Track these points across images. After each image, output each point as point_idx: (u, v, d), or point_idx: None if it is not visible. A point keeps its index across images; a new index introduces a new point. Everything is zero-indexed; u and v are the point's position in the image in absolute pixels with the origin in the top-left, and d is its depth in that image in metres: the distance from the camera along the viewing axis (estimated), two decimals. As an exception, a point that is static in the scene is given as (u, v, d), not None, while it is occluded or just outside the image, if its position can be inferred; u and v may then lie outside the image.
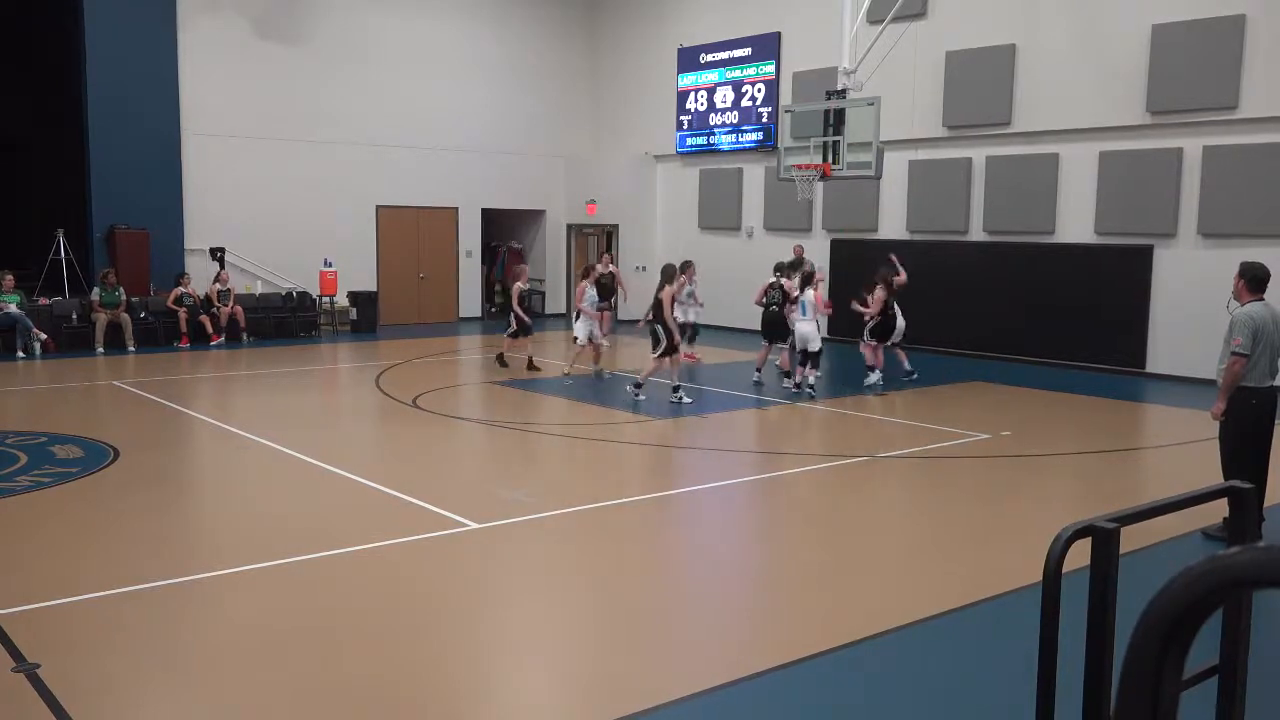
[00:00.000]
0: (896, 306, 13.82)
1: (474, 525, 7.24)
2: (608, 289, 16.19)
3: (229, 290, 18.21)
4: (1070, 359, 15.94)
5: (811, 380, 13.00)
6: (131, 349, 16.69)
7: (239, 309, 18.16)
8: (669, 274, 12.52)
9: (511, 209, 23.57)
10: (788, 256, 15.50)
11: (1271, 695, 4.63)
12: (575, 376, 14.13)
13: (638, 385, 12.53)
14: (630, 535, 7.43)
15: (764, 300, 13.89)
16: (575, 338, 14.46)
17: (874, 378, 13.52)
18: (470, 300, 22.98)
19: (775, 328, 13.79)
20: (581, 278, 14.95)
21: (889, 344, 13.98)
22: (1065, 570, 2.52)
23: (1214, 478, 7.01)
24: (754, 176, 20.71)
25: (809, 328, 12.94)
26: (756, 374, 14.03)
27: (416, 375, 14.51)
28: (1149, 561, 6.28)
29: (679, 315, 13.78)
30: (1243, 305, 7.08)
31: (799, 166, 14.81)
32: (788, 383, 13.73)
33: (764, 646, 5.30)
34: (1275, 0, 13.70)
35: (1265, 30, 13.78)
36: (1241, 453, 7.01)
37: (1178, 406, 12.78)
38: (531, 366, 14.64)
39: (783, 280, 13.76)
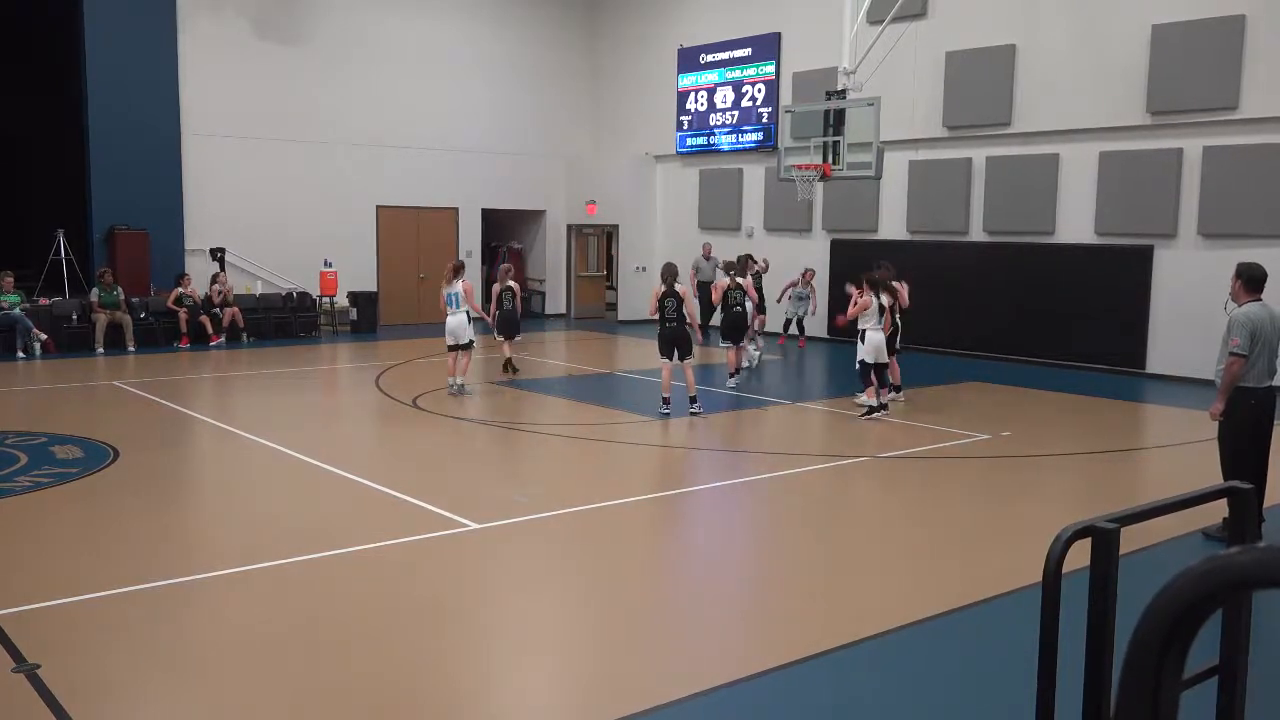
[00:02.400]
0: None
1: (474, 526, 7.24)
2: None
3: (226, 292, 18.20)
4: (1070, 359, 15.94)
5: (888, 399, 11.98)
6: (131, 349, 16.69)
7: (236, 310, 18.16)
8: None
9: (512, 209, 23.57)
10: (791, 257, 15.50)
11: (1272, 695, 4.63)
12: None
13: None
14: (630, 536, 7.43)
15: (722, 301, 13.51)
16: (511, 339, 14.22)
17: (896, 396, 12.43)
18: (470, 300, 22.94)
19: (736, 330, 13.56)
20: (504, 277, 14.57)
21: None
22: (1065, 570, 2.52)
23: (1214, 478, 7.01)
24: (754, 177, 20.71)
25: (881, 337, 11.64)
26: (732, 377, 13.60)
27: (417, 375, 14.50)
28: (1149, 562, 6.28)
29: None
30: (1240, 306, 7.08)
31: (799, 167, 14.80)
32: (732, 382, 13.41)
33: (764, 647, 5.30)
34: (1275, 0, 13.71)
35: (1265, 30, 13.78)
36: (1241, 453, 7.00)
37: (1177, 407, 12.78)
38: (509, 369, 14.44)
39: (740, 280, 13.57)
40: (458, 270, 13.04)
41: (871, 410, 11.62)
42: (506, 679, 5.09)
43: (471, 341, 12.78)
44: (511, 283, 14.55)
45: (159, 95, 18.44)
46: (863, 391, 11.91)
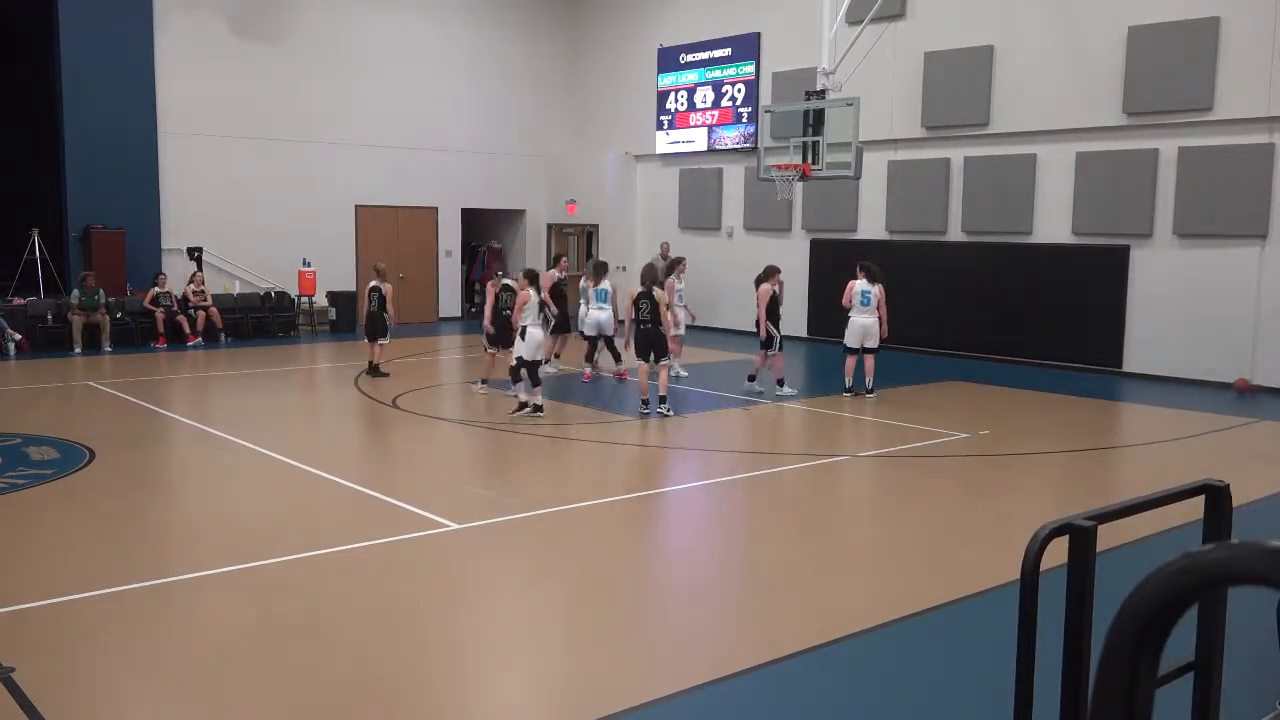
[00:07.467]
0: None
1: (454, 526, 7.22)
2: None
3: (204, 290, 18.06)
4: (1048, 358, 16.04)
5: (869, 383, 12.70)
6: (108, 349, 16.55)
7: (214, 310, 18.03)
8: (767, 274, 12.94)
9: (492, 209, 23.52)
10: (772, 257, 15.45)
11: (1247, 691, 4.68)
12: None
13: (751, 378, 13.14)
14: (611, 535, 7.43)
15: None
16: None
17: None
18: (450, 300, 22.91)
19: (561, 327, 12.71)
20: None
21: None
22: (1043, 568, 2.53)
23: (1189, 475, 7.07)
24: (734, 176, 20.74)
25: (540, 334, 11.44)
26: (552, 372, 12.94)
27: (396, 376, 14.44)
28: (1126, 559, 6.33)
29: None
30: None
31: (778, 167, 14.82)
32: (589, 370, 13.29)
33: (745, 645, 5.30)
34: (1250, 2, 13.85)
35: (1240, 32, 13.91)
36: None
37: (1154, 405, 12.88)
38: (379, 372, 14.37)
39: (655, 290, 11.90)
40: (602, 270, 14.13)
41: (526, 408, 11.26)
42: (487, 679, 5.08)
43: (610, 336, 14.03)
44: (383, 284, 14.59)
45: (135, 93, 18.29)
46: (510, 388, 11.58)
